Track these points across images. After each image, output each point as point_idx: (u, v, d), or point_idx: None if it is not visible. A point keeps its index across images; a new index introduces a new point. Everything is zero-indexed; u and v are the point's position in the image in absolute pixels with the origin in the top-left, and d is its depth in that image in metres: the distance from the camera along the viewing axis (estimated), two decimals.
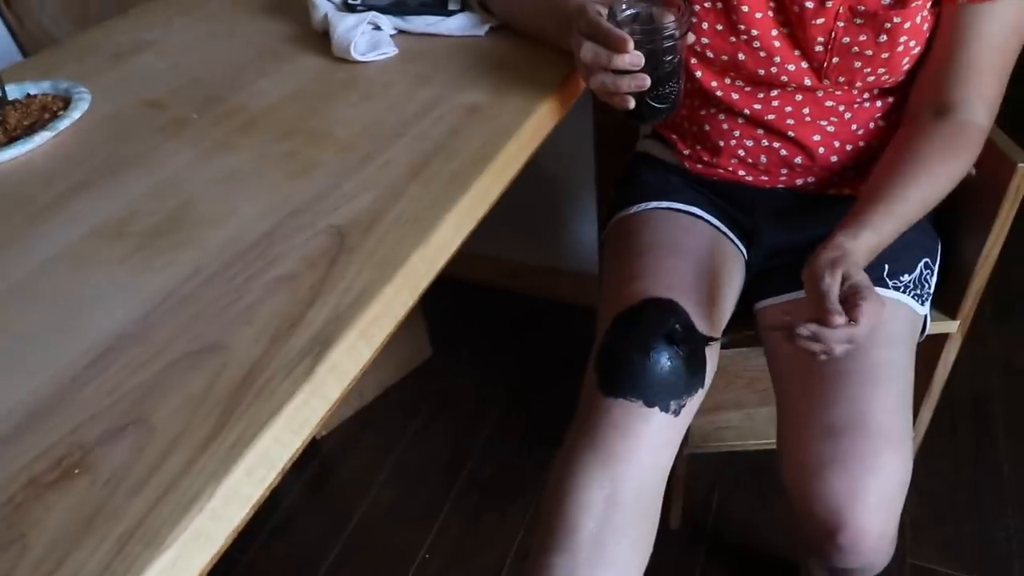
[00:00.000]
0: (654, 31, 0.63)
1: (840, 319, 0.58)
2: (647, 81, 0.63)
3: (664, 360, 0.70)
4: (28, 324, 0.50)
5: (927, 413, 0.99)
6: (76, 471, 0.40)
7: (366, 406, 1.46)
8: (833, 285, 0.60)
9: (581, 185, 1.47)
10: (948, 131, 0.71)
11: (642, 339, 0.71)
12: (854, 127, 0.80)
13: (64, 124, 0.72)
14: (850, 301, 0.60)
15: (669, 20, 0.64)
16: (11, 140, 0.71)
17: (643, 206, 0.89)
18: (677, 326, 0.72)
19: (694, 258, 0.81)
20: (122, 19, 1.01)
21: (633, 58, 0.62)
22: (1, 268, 0.56)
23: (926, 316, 0.83)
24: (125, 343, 0.48)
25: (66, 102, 0.77)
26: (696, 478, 1.25)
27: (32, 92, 0.79)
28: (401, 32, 0.85)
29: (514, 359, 1.54)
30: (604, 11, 0.65)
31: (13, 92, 0.78)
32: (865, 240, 0.65)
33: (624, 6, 0.66)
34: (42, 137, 0.71)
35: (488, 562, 1.19)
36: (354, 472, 1.34)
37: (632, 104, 0.66)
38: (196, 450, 0.40)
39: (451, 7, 0.86)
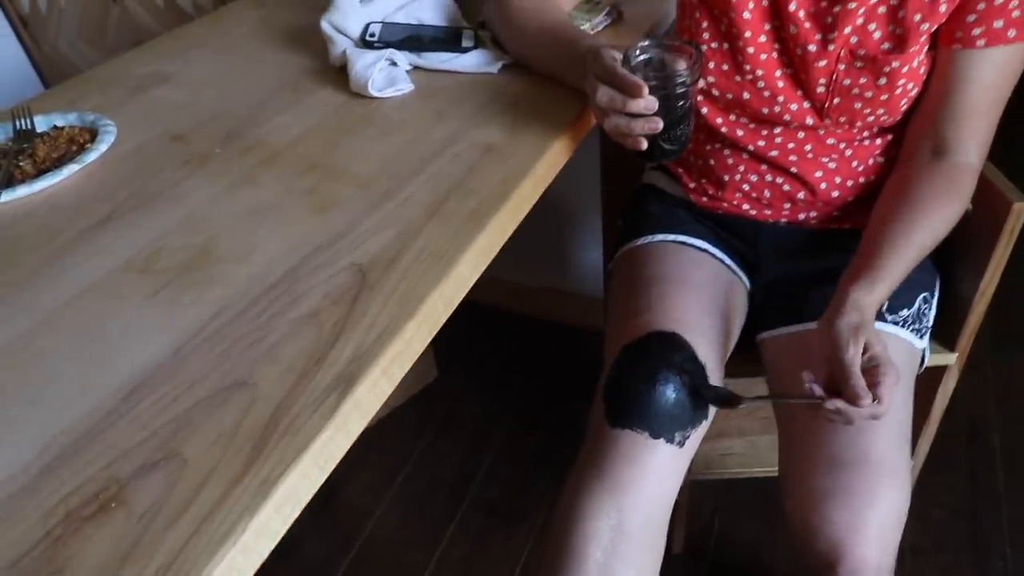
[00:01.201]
0: (667, 77, 0.65)
1: (867, 400, 0.61)
2: (660, 124, 0.65)
3: (670, 392, 0.71)
4: (59, 359, 0.51)
5: (926, 443, 0.99)
6: (112, 505, 0.41)
7: (371, 427, 1.46)
8: (857, 356, 0.62)
9: (587, 210, 1.48)
10: (944, 174, 0.73)
11: (648, 372, 0.72)
12: (855, 163, 0.82)
13: (92, 157, 0.74)
14: (871, 377, 0.62)
15: (681, 67, 0.66)
16: (40, 172, 0.72)
17: (650, 238, 0.90)
18: (682, 359, 0.73)
19: (699, 291, 0.82)
20: (141, 51, 1.02)
21: (647, 103, 0.64)
22: (30, 301, 0.57)
23: (925, 349, 0.84)
24: (156, 379, 0.49)
25: (92, 134, 0.78)
26: (699, 504, 1.25)
27: (59, 124, 0.80)
28: (417, 68, 0.87)
29: (520, 382, 1.55)
30: (619, 55, 0.67)
31: (40, 124, 0.80)
32: (880, 293, 0.67)
33: (638, 51, 0.67)
34: (70, 170, 0.72)
35: None
36: (359, 494, 1.35)
37: (645, 145, 0.67)
38: (228, 485, 0.41)
39: (465, 44, 0.88)
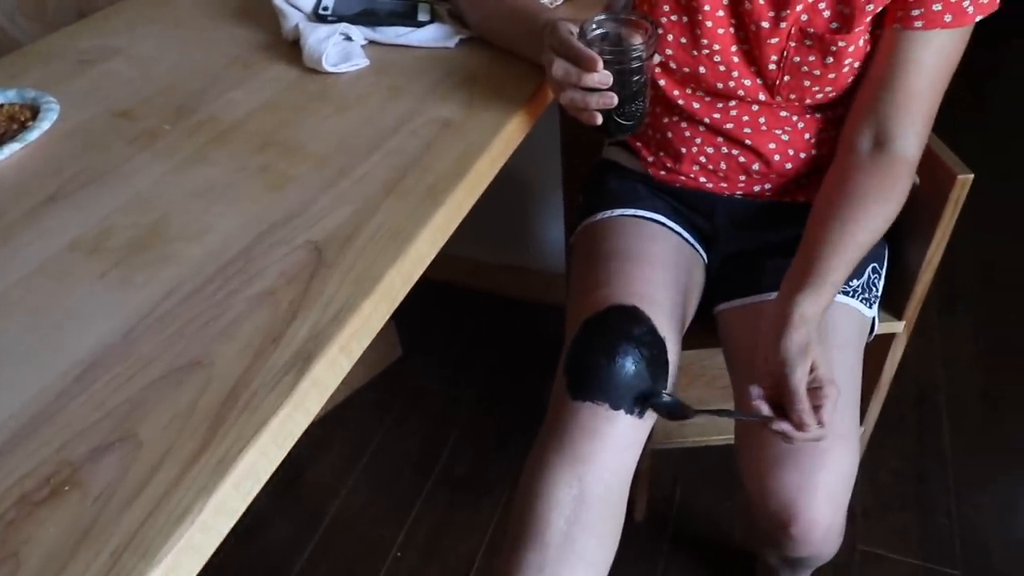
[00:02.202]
0: (622, 52, 0.66)
1: (813, 427, 0.64)
2: (614, 99, 0.66)
3: (629, 365, 0.73)
4: (8, 341, 0.50)
5: (875, 408, 1.03)
6: (66, 488, 0.40)
7: (336, 407, 1.47)
8: (803, 380, 0.64)
9: (548, 186, 1.48)
10: (884, 168, 0.73)
11: (608, 345, 0.73)
12: (807, 136, 0.83)
13: (34, 135, 0.71)
14: (814, 399, 0.64)
15: (637, 42, 0.67)
16: None
17: (609, 213, 0.91)
18: (641, 332, 0.74)
19: (658, 265, 0.83)
20: (86, 24, 0.99)
21: (602, 77, 0.64)
22: None
23: (874, 318, 0.87)
24: (108, 359, 0.48)
25: (34, 112, 0.76)
26: (660, 472, 1.28)
27: None
28: (372, 43, 0.86)
29: (483, 358, 1.55)
30: (575, 29, 0.67)
31: None
32: (825, 299, 0.68)
33: (594, 26, 0.68)
34: (11, 149, 0.70)
35: (460, 557, 1.21)
36: (325, 473, 1.35)
37: (599, 120, 0.68)
38: (185, 465, 0.41)
39: (421, 18, 0.87)
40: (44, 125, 0.73)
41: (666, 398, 0.74)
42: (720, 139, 0.85)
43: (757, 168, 0.86)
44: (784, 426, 0.65)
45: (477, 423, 1.42)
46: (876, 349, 0.95)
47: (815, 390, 0.65)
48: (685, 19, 0.79)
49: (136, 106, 0.78)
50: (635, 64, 0.66)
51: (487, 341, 1.60)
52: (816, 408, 0.64)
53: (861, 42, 0.74)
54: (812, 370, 0.66)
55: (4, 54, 0.94)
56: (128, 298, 0.53)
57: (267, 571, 1.21)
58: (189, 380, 0.46)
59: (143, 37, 0.94)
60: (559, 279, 1.58)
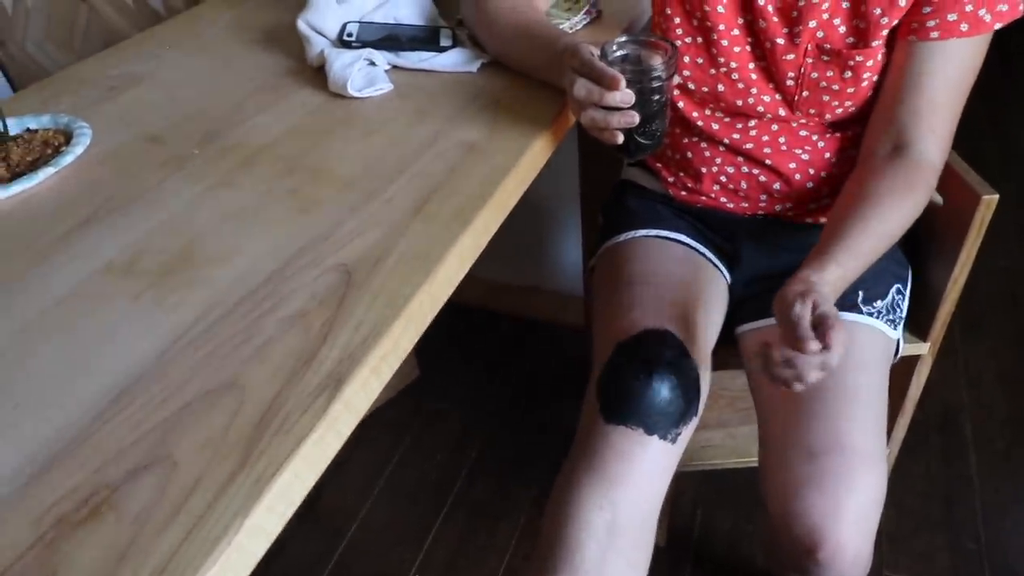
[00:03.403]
0: (643, 72, 0.67)
1: (814, 345, 0.60)
2: (636, 118, 0.66)
3: (664, 391, 0.72)
4: (45, 363, 0.51)
5: (901, 431, 1.02)
6: (104, 509, 0.41)
7: (355, 427, 1.46)
8: (804, 312, 0.62)
9: (565, 208, 1.49)
10: (903, 170, 0.73)
11: (643, 369, 0.73)
12: (827, 155, 0.84)
13: (67, 160, 0.73)
14: (820, 329, 0.62)
15: (657, 62, 0.67)
16: (15, 176, 0.71)
17: (632, 234, 0.91)
18: (673, 356, 0.74)
19: (684, 287, 0.83)
20: (113, 52, 1.01)
21: (623, 95, 0.64)
22: (12, 306, 0.57)
23: (899, 339, 0.86)
24: (143, 382, 0.49)
25: (67, 136, 0.78)
26: (680, 495, 1.27)
27: (32, 127, 0.79)
28: (395, 68, 0.87)
29: (500, 379, 1.55)
30: (596, 51, 0.68)
31: (13, 126, 0.79)
32: (830, 274, 0.67)
33: (615, 47, 0.69)
34: (45, 173, 0.71)
35: None
36: (344, 493, 1.35)
37: (620, 139, 0.68)
38: (220, 487, 0.41)
39: (443, 43, 0.88)
40: (77, 150, 0.75)
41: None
42: (740, 159, 0.86)
43: (778, 188, 0.86)
44: (786, 351, 0.62)
45: (495, 443, 1.42)
46: (901, 371, 0.94)
47: (822, 322, 0.62)
48: (700, 39, 0.80)
49: (165, 131, 0.79)
50: (655, 84, 0.67)
51: (503, 362, 1.60)
52: (823, 335, 0.60)
53: (879, 56, 0.74)
54: (816, 308, 0.62)
55: (33, 81, 0.96)
56: (161, 321, 0.54)
57: None
58: (222, 402, 0.47)
59: (170, 63, 0.96)
60: (576, 300, 1.58)
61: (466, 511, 1.31)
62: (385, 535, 1.28)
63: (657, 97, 0.68)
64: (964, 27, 0.68)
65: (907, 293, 0.88)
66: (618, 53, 0.69)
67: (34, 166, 0.73)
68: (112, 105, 0.86)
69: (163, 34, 1.06)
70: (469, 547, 1.25)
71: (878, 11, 0.71)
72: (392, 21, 0.92)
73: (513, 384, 1.54)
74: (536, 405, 1.49)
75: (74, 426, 0.46)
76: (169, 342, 0.52)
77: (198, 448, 0.44)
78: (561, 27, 0.91)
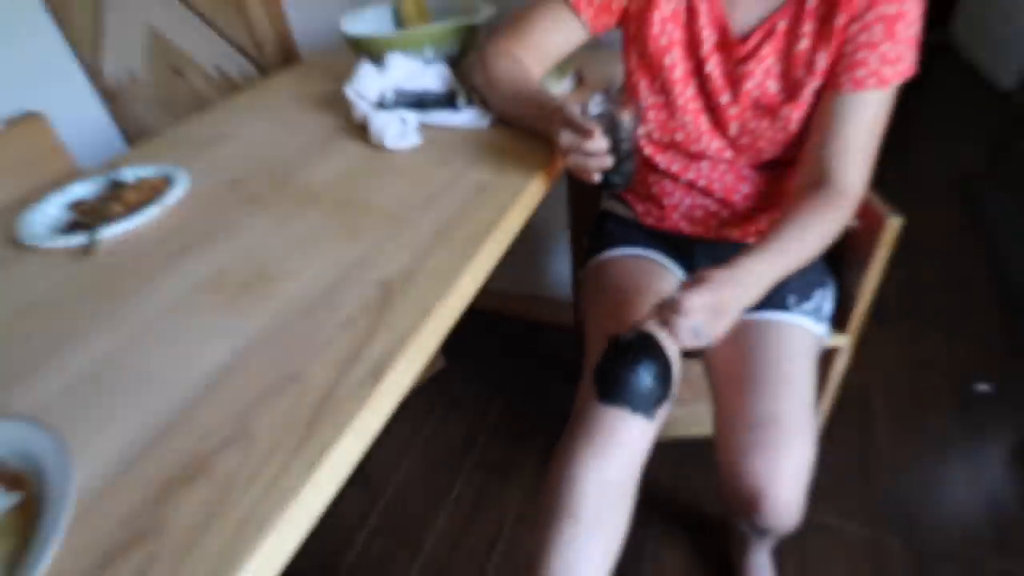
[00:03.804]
0: (615, 125, 0.67)
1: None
2: (609, 161, 0.67)
3: (646, 379, 0.72)
4: (154, 361, 0.52)
5: (826, 405, 1.02)
6: (199, 474, 0.42)
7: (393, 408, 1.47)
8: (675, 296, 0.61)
9: (557, 232, 1.49)
10: (822, 200, 0.70)
11: (630, 363, 0.72)
12: (764, 188, 0.83)
13: (170, 200, 0.74)
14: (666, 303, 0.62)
15: (626, 117, 0.68)
16: (129, 213, 0.72)
17: (612, 252, 0.91)
18: (653, 350, 0.74)
19: (656, 294, 0.83)
20: (204, 115, 1.03)
21: (599, 144, 0.65)
22: (128, 314, 0.58)
23: (823, 334, 0.86)
24: (228, 375, 0.49)
25: (169, 182, 0.79)
26: (653, 459, 1.26)
27: (143, 175, 0.81)
28: (423, 124, 0.88)
29: (507, 369, 1.55)
30: (579, 108, 0.68)
31: (128, 175, 0.80)
32: (744, 269, 0.64)
33: (593, 105, 0.70)
34: (153, 211, 0.72)
35: (492, 526, 1.20)
36: (386, 457, 1.35)
37: (598, 179, 0.69)
38: (288, 456, 0.42)
39: (460, 105, 0.89)
40: (177, 192, 0.76)
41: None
42: (695, 192, 0.86)
43: (726, 215, 0.86)
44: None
45: (505, 419, 1.42)
46: (826, 359, 0.94)
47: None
48: (662, 98, 0.80)
49: (244, 176, 0.80)
50: (625, 134, 0.67)
51: (510, 355, 1.60)
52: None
53: (805, 108, 0.74)
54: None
55: (142, 138, 0.98)
56: (241, 326, 0.54)
57: (345, 529, 1.21)
58: (289, 390, 0.47)
59: (248, 124, 0.97)
60: (567, 305, 1.58)
61: (482, 472, 1.31)
62: (418, 490, 1.28)
63: (626, 145, 0.69)
64: (871, 81, 0.68)
65: (830, 296, 0.88)
66: (595, 110, 0.70)
67: (144, 206, 0.74)
68: (203, 157, 0.87)
69: (242, 100, 1.08)
70: (484, 500, 1.25)
71: (802, 73, 0.72)
72: (420, 88, 0.93)
73: (517, 373, 1.54)
74: (535, 388, 1.49)
75: (176, 409, 0.47)
76: (247, 343, 0.52)
77: (271, 426, 0.44)
78: (552, 90, 0.92)
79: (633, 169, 0.73)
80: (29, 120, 0.94)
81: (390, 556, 1.17)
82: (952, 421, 1.31)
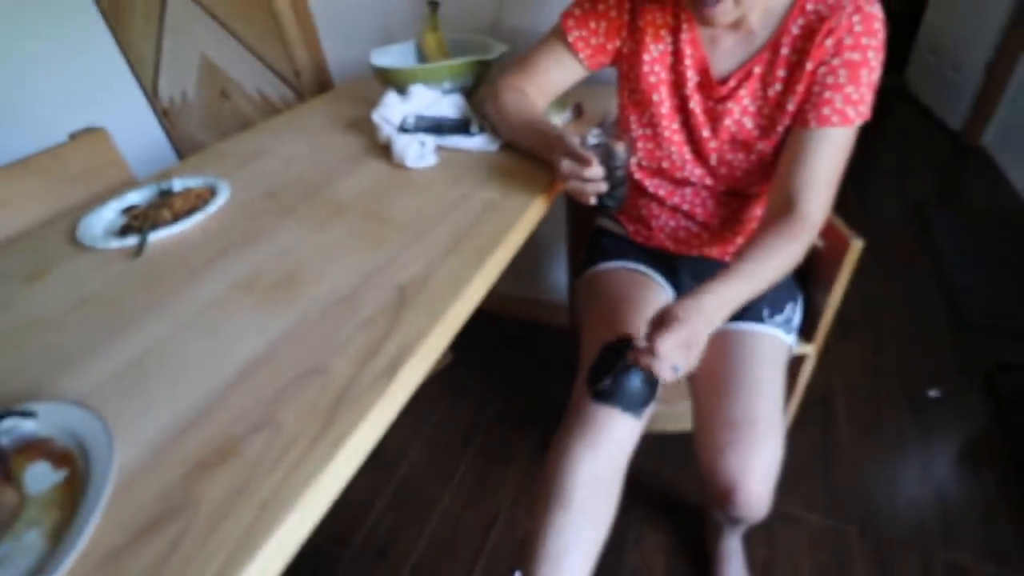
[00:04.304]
0: (610, 155, 0.67)
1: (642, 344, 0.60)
2: (604, 187, 0.66)
3: (636, 382, 0.71)
4: (193, 351, 0.52)
5: (794, 406, 1.00)
6: (230, 456, 0.41)
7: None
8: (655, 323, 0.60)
9: (555, 242, 1.49)
10: (788, 226, 0.67)
11: (621, 368, 0.71)
12: (741, 214, 0.83)
13: (212, 208, 0.74)
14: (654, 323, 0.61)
15: (620, 148, 0.68)
16: (176, 219, 0.72)
17: (605, 265, 0.91)
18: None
19: (646, 305, 0.82)
20: (246, 134, 1.03)
21: (595, 171, 0.65)
22: (172, 310, 0.57)
23: (792, 343, 0.85)
24: (258, 366, 0.49)
25: (213, 192, 0.79)
26: (638, 452, 1.25)
27: (190, 185, 0.80)
28: (439, 147, 0.88)
29: (508, 364, 1.54)
30: (578, 139, 0.68)
31: (177, 185, 0.80)
32: (715, 293, 0.62)
33: (591, 138, 0.69)
34: (197, 218, 0.72)
35: (491, 506, 1.19)
36: (398, 442, 1.34)
37: (594, 202, 0.69)
38: (311, 442, 0.41)
39: (473, 130, 0.89)
40: (219, 201, 0.75)
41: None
42: (679, 215, 0.85)
43: (706, 236, 0.86)
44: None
45: (505, 411, 1.41)
46: (794, 365, 0.92)
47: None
48: (650, 131, 0.80)
49: (280, 189, 0.80)
50: (618, 163, 0.67)
51: (511, 352, 1.58)
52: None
53: (777, 143, 0.73)
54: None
55: (192, 152, 0.98)
56: (272, 323, 0.54)
57: (359, 506, 1.20)
58: (313, 381, 0.47)
59: (285, 142, 0.97)
60: (563, 308, 1.57)
61: (484, 457, 1.29)
62: (426, 472, 1.27)
63: (620, 172, 0.68)
64: (835, 119, 0.67)
65: (798, 309, 0.87)
66: (593, 141, 0.69)
67: (190, 213, 0.74)
68: (244, 171, 0.87)
69: (281, 121, 1.08)
70: (486, 483, 1.24)
71: (775, 113, 0.71)
72: (438, 115, 0.93)
73: (517, 368, 1.53)
74: (534, 384, 1.48)
75: (211, 396, 0.46)
76: (277, 337, 0.52)
77: (296, 414, 0.44)
78: (554, 120, 0.92)
79: (625, 193, 0.72)
80: (92, 134, 0.94)
81: (399, 531, 1.16)
82: (906, 423, 1.29)
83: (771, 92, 0.70)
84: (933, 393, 1.35)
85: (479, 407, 1.43)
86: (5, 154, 1.16)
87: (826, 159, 0.68)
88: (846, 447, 1.25)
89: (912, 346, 1.48)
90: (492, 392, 1.46)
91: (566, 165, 0.66)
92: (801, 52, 0.68)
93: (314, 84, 1.40)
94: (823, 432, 1.29)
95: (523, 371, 1.52)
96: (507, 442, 1.33)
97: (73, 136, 0.94)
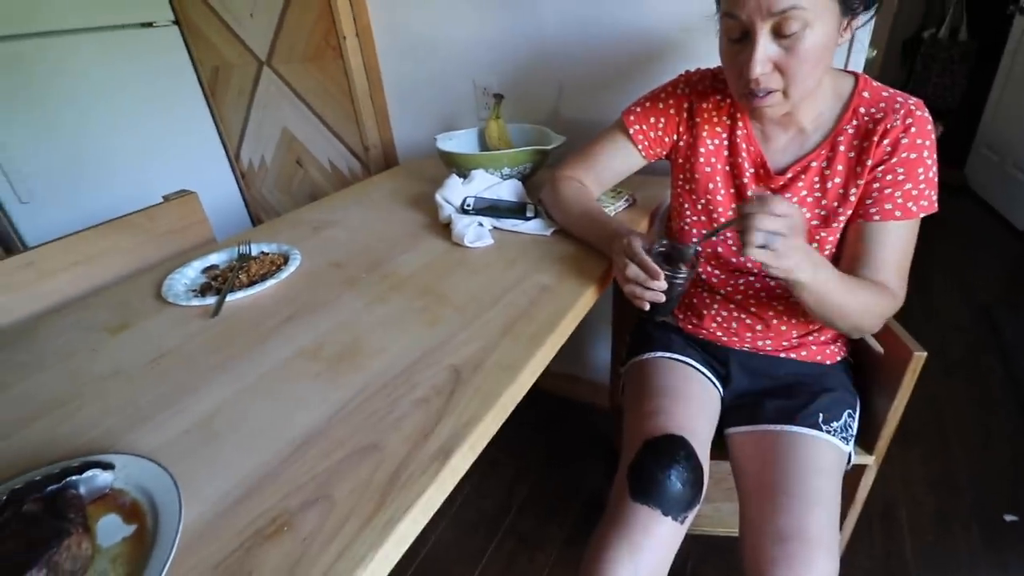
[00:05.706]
0: (675, 270, 0.68)
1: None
2: (663, 298, 0.67)
3: (678, 483, 0.69)
4: (256, 417, 0.54)
5: (852, 521, 0.94)
6: (285, 528, 0.42)
7: None
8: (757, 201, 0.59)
9: (601, 324, 1.49)
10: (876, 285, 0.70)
11: (664, 465, 0.70)
12: (797, 306, 0.81)
13: (284, 275, 0.78)
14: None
15: (685, 263, 0.69)
16: (251, 283, 0.77)
17: (652, 354, 0.90)
18: (686, 456, 0.71)
19: (694, 401, 0.81)
20: (317, 203, 1.10)
21: (659, 285, 0.66)
22: (241, 372, 0.60)
23: (851, 452, 0.81)
24: (316, 438, 0.50)
25: (285, 259, 0.84)
26: (677, 554, 1.18)
27: (265, 251, 0.86)
28: (496, 229, 0.92)
29: (544, 441, 1.51)
30: (645, 246, 0.69)
31: (254, 250, 0.86)
32: (817, 264, 0.63)
33: (658, 247, 0.70)
34: (270, 283, 0.77)
35: None
36: None
37: (648, 308, 0.69)
38: (363, 522, 0.42)
39: (528, 215, 0.93)
40: (291, 268, 0.80)
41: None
42: (732, 305, 0.85)
43: (760, 328, 0.85)
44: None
45: (538, 490, 1.36)
46: (852, 476, 0.87)
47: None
48: (704, 218, 0.82)
49: (345, 260, 0.84)
50: (680, 278, 0.68)
51: (548, 428, 1.55)
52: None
53: (837, 234, 0.74)
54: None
55: (264, 216, 1.05)
56: (331, 394, 0.55)
57: None
58: (368, 458, 0.47)
59: (352, 213, 1.02)
60: (603, 388, 1.55)
61: (513, 540, 1.24)
62: (450, 554, 1.22)
63: (680, 287, 0.69)
64: (898, 213, 0.68)
65: (856, 416, 0.84)
66: (659, 251, 0.70)
67: (264, 277, 0.78)
68: (314, 239, 0.92)
69: (349, 193, 1.14)
70: (514, 569, 1.18)
71: (836, 204, 0.72)
72: (496, 197, 0.98)
73: (554, 445, 1.49)
74: (569, 463, 1.43)
75: (269, 464, 0.48)
76: (335, 410, 0.53)
77: (350, 490, 0.45)
78: (607, 210, 0.95)
79: (678, 302, 0.72)
80: (184, 197, 1.04)
81: None
82: (977, 545, 1.17)
83: (830, 184, 0.72)
84: (1010, 518, 1.23)
85: (510, 485, 1.39)
86: (104, 210, 1.29)
87: (893, 248, 0.70)
88: (911, 563, 1.14)
89: (982, 458, 1.37)
90: (525, 469, 1.42)
91: (632, 271, 0.67)
92: (859, 150, 0.70)
93: (381, 160, 1.51)
94: (884, 547, 1.18)
95: (559, 450, 1.48)
96: (538, 526, 1.27)
97: (167, 198, 1.05)
